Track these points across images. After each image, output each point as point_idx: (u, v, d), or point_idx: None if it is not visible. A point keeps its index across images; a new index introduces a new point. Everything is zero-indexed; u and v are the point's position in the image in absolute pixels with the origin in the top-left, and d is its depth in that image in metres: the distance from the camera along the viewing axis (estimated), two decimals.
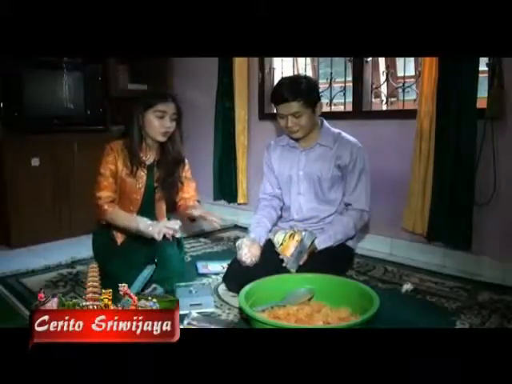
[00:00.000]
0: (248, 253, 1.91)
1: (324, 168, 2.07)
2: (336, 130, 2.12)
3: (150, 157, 2.11)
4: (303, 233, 1.91)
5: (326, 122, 2.13)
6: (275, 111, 2.05)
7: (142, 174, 2.08)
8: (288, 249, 1.88)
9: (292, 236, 1.90)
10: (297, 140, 2.10)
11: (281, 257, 1.89)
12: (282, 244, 1.91)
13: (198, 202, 2.21)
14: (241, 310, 1.65)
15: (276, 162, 2.19)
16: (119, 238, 2.08)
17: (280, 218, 2.23)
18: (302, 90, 1.95)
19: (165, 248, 2.04)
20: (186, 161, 2.21)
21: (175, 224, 1.89)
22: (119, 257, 1.98)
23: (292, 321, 1.53)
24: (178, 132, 2.10)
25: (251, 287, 1.66)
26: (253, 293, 1.64)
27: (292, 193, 2.15)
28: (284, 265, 1.86)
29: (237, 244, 1.98)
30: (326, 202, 2.11)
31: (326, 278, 1.77)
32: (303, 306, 1.63)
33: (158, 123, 2.00)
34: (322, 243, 1.95)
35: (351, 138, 2.10)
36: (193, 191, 2.21)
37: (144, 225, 1.88)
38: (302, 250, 1.87)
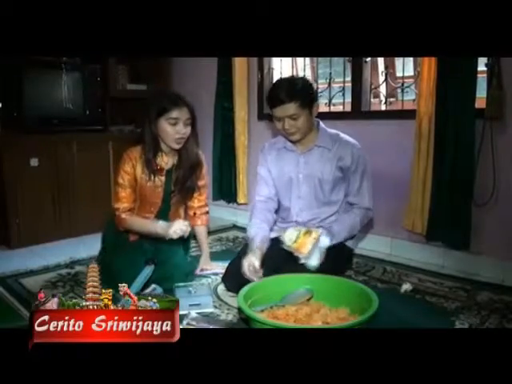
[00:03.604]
0: (254, 272, 1.81)
1: (325, 170, 2.04)
2: (333, 131, 2.10)
3: (168, 162, 2.09)
4: (320, 230, 1.89)
5: (321, 123, 2.10)
6: (271, 114, 2.00)
7: (161, 179, 2.07)
8: (305, 246, 1.83)
9: (308, 233, 1.86)
10: (294, 142, 2.07)
11: (295, 254, 1.84)
12: (295, 241, 1.86)
13: (207, 212, 2.29)
14: (240, 310, 1.65)
15: (272, 165, 2.14)
16: (132, 236, 2.09)
17: (278, 218, 2.21)
18: (298, 91, 1.91)
19: (166, 248, 2.04)
20: (205, 166, 2.21)
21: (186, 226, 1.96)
22: (128, 253, 2.00)
23: (291, 321, 1.53)
24: (193, 136, 2.07)
25: (250, 287, 1.66)
26: (252, 293, 1.64)
27: (292, 196, 2.12)
28: (301, 262, 1.82)
29: (242, 262, 1.85)
30: (326, 203, 2.09)
31: (325, 278, 1.77)
32: (302, 306, 1.63)
33: (171, 130, 1.97)
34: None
35: (350, 139, 2.08)
36: (204, 201, 2.27)
37: (161, 228, 1.95)
38: (322, 247, 1.85)
